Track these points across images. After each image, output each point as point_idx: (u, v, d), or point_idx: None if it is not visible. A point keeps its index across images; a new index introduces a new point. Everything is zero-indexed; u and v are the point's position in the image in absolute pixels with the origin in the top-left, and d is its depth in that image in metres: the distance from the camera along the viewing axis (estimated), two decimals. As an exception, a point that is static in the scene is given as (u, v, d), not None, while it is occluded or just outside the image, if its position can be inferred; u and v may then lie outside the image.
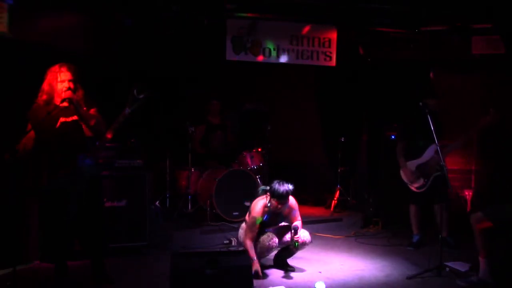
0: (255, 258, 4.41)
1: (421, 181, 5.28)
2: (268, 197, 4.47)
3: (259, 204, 4.53)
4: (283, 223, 4.70)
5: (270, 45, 6.46)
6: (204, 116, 6.77)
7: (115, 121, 3.89)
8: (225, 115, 6.90)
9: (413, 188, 5.37)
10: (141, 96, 3.87)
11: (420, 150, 5.28)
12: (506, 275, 4.25)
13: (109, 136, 3.93)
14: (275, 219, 4.63)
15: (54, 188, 3.82)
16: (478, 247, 4.16)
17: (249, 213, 4.58)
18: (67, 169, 3.82)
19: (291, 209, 4.59)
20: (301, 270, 4.70)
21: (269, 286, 4.17)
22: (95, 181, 4.01)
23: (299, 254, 5.03)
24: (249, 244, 4.46)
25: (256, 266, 4.35)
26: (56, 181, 3.81)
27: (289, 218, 4.61)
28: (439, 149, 4.65)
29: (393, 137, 6.92)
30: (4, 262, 4.35)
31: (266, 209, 4.50)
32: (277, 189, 4.36)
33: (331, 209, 6.87)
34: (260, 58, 6.46)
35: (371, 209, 6.75)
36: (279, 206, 4.43)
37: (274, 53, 6.48)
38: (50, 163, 3.85)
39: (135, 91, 3.85)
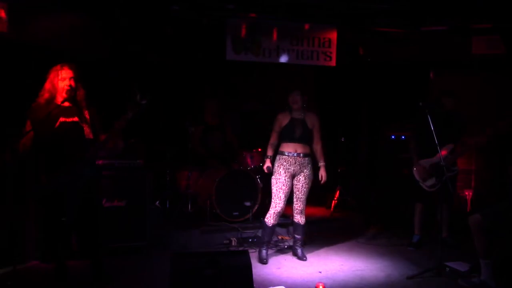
0: (268, 155, 5.04)
1: (433, 180, 5.26)
2: (288, 103, 5.00)
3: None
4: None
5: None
6: (201, 116, 6.74)
7: (115, 125, 3.87)
8: (224, 115, 6.86)
9: (424, 187, 5.34)
10: (143, 102, 3.85)
11: (434, 149, 5.15)
12: (507, 277, 4.25)
13: (102, 137, 3.96)
14: (299, 127, 4.95)
15: (52, 188, 3.82)
16: (478, 249, 4.15)
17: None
18: (65, 169, 3.82)
19: (314, 122, 5.03)
20: (301, 270, 4.71)
21: (269, 286, 4.17)
22: (93, 182, 4.01)
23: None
24: (270, 142, 5.08)
25: (268, 163, 5.01)
26: (54, 181, 3.80)
27: (313, 132, 5.04)
28: (439, 149, 4.64)
29: (393, 137, 6.93)
30: (3, 261, 4.35)
31: (288, 114, 5.00)
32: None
33: (331, 209, 6.87)
34: (260, 58, 6.45)
35: (371, 209, 6.75)
36: (293, 97, 4.94)
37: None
38: (48, 163, 3.85)
39: (138, 96, 3.82)
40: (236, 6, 5.81)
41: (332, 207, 6.89)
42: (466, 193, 6.65)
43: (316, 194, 7.52)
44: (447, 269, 4.56)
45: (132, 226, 5.04)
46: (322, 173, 4.98)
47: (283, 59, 6.52)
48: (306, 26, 6.48)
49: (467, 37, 6.49)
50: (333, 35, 6.56)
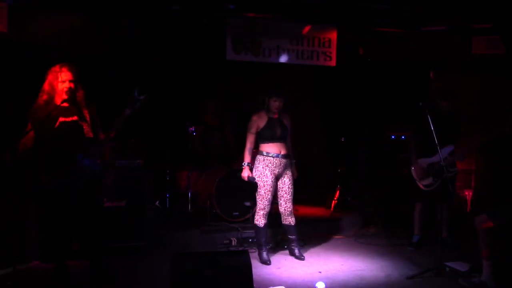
0: (247, 162, 4.88)
1: (430, 180, 5.26)
2: (266, 103, 4.89)
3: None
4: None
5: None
6: (201, 116, 6.73)
7: (115, 122, 3.88)
8: (224, 115, 6.86)
9: (420, 186, 5.34)
10: (141, 97, 3.86)
11: (434, 150, 4.96)
12: (507, 277, 4.24)
13: (102, 136, 3.96)
14: (278, 126, 4.93)
15: (52, 188, 3.82)
16: (481, 249, 4.14)
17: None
18: (65, 169, 3.82)
19: (288, 121, 5.03)
20: (301, 270, 4.71)
21: (269, 286, 4.17)
22: (93, 181, 4.01)
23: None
24: (248, 147, 4.93)
25: (248, 171, 4.87)
26: (54, 181, 3.80)
27: (288, 129, 5.02)
28: (439, 150, 4.65)
29: (393, 137, 6.93)
30: (3, 261, 4.35)
31: (264, 114, 4.92)
32: (271, 89, 4.90)
33: (331, 209, 6.86)
34: (260, 58, 6.45)
35: (371, 209, 6.75)
36: (277, 103, 4.84)
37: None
38: (48, 163, 3.85)
39: (136, 92, 3.85)
40: (236, 6, 5.81)
41: (332, 207, 6.88)
42: (466, 193, 6.64)
43: (316, 194, 7.58)
44: (447, 269, 4.56)
45: (132, 226, 5.05)
46: (293, 170, 5.07)
47: (283, 59, 6.51)
48: (306, 26, 6.47)
49: (467, 37, 6.48)
50: (333, 35, 6.55)
